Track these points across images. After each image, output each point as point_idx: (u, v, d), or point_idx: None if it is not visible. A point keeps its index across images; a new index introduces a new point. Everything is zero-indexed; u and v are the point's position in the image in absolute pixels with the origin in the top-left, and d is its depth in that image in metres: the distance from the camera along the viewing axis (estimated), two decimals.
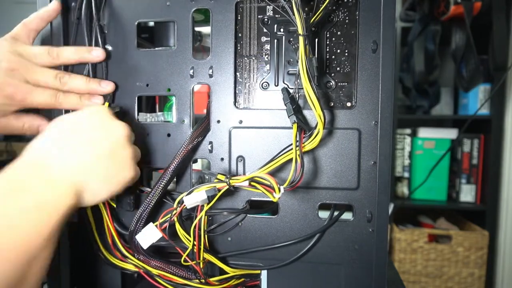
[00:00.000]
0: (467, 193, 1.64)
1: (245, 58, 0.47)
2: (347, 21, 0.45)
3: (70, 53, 0.46)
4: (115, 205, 0.48)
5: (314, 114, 0.40)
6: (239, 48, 0.47)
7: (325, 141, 0.44)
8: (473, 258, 1.53)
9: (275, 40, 0.46)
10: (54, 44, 0.48)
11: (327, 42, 0.45)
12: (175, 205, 0.43)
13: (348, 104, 0.45)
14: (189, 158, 0.47)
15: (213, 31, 0.46)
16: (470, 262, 1.54)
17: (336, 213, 0.46)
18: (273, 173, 0.44)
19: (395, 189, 1.72)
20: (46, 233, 0.33)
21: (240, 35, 0.46)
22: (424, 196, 1.67)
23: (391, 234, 1.61)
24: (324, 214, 0.46)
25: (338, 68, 0.45)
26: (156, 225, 0.43)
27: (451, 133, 1.66)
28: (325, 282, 0.47)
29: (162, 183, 0.44)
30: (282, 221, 0.46)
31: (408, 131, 1.70)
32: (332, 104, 0.45)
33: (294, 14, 0.39)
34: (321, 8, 0.42)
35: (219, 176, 0.43)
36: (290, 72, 0.46)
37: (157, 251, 0.48)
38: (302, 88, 0.40)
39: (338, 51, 0.45)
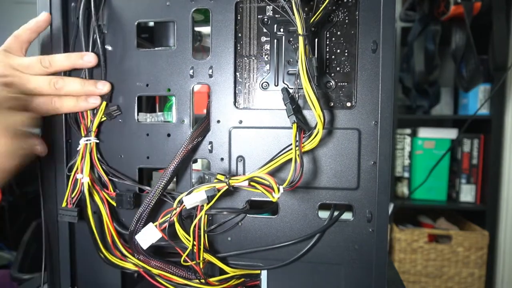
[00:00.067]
0: (467, 193, 1.64)
1: (245, 58, 0.47)
2: (347, 21, 0.45)
3: (62, 60, 0.46)
4: (115, 204, 0.48)
5: (314, 114, 0.40)
6: (239, 48, 0.47)
7: (325, 141, 0.44)
8: (473, 258, 1.53)
9: (275, 40, 0.46)
10: (54, 44, 0.48)
11: (327, 42, 0.45)
12: (175, 205, 0.43)
13: (348, 104, 0.45)
14: (189, 158, 0.47)
15: (213, 31, 0.46)
16: (470, 262, 1.54)
17: (336, 213, 0.46)
18: (272, 173, 0.44)
19: (395, 189, 1.73)
20: None
21: (240, 35, 0.46)
22: (424, 196, 1.67)
23: (391, 234, 1.61)
24: (324, 214, 0.46)
25: (338, 68, 0.45)
26: (156, 225, 0.43)
27: (451, 133, 1.66)
28: (325, 282, 0.47)
29: (162, 183, 0.44)
30: (282, 221, 0.46)
31: (408, 131, 1.70)
32: (332, 104, 0.45)
33: (294, 14, 0.39)
34: (321, 8, 0.42)
35: (219, 176, 0.43)
36: (290, 72, 0.46)
37: (157, 251, 0.48)
38: (302, 88, 0.40)
39: (338, 51, 0.45)
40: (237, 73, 0.47)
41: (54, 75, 0.46)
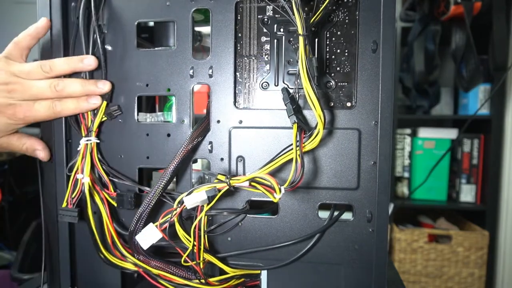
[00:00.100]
0: (467, 193, 1.64)
1: (245, 58, 0.47)
2: (347, 21, 0.45)
3: (62, 65, 0.46)
4: (116, 205, 0.48)
5: (314, 114, 0.40)
6: (239, 48, 0.47)
7: (325, 141, 0.44)
8: (473, 258, 1.53)
9: (275, 40, 0.46)
10: (54, 47, 0.48)
11: (327, 42, 0.45)
12: (175, 206, 0.43)
13: (348, 104, 0.45)
14: (189, 158, 0.47)
15: (213, 31, 0.46)
16: (470, 262, 1.54)
17: (336, 213, 0.46)
18: (273, 173, 0.44)
19: (395, 189, 1.73)
20: None
21: (240, 35, 0.46)
22: (424, 196, 1.67)
23: (391, 234, 1.61)
24: (324, 214, 0.46)
25: (338, 68, 0.45)
26: (156, 226, 0.43)
27: (451, 133, 1.66)
28: (325, 282, 0.47)
29: (162, 183, 0.44)
30: (282, 221, 0.46)
31: (408, 131, 1.70)
32: (332, 104, 0.45)
33: (294, 14, 0.39)
34: (321, 8, 0.42)
35: (219, 177, 0.43)
36: (290, 72, 0.46)
37: (156, 251, 0.48)
38: (302, 88, 0.40)
39: (338, 51, 0.45)
40: (237, 73, 0.47)
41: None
